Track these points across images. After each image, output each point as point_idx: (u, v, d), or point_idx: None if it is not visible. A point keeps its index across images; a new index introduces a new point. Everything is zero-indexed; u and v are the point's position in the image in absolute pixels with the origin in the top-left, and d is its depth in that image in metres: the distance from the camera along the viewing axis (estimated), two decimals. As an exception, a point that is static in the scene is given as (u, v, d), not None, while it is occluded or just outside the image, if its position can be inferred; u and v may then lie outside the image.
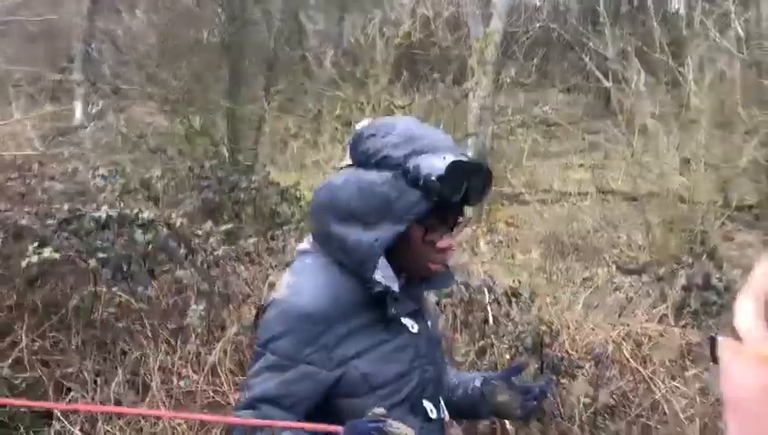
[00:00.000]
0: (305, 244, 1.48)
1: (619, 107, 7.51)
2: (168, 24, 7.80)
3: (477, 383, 1.61)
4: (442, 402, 1.52)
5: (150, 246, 3.63)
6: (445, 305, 3.11)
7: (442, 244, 1.40)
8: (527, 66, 10.78)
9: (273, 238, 4.90)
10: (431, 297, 1.77)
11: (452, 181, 1.31)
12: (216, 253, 3.95)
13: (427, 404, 1.45)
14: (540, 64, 11.13)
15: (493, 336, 2.82)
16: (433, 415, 1.46)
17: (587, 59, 8.91)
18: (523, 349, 2.61)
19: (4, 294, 3.40)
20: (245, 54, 8.05)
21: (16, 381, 2.97)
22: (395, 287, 1.38)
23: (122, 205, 3.86)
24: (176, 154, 7.53)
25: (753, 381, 0.55)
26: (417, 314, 1.47)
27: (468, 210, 7.52)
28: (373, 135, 1.38)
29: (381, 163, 1.35)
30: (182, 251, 3.81)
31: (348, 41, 7.88)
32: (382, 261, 1.37)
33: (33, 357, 3.20)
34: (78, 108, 8.63)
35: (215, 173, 6.62)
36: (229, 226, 4.69)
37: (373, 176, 1.36)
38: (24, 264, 2.94)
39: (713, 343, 0.59)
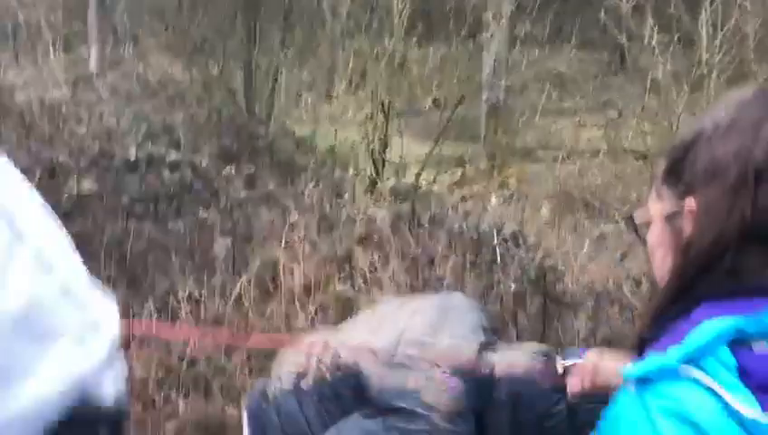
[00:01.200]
0: None
1: (633, 64, 7.55)
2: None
3: None
4: None
5: (177, 187, 3.82)
6: (455, 244, 3.30)
7: None
8: (542, 21, 10.75)
9: (292, 183, 5.09)
10: None
11: None
12: (239, 195, 4.15)
13: None
14: (555, 19, 11.08)
15: (500, 273, 3.01)
16: None
17: (602, 14, 8.89)
18: (527, 283, 2.80)
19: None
20: (262, 4, 8.11)
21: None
22: None
23: (150, 146, 4.05)
24: (194, 102, 7.67)
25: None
26: None
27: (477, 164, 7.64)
28: None
29: None
30: (206, 193, 4.01)
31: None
32: None
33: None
34: (93, 55, 8.74)
35: (233, 121, 6.79)
36: (251, 170, 4.88)
37: None
38: (65, 196, 3.13)
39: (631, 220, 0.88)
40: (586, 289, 3.31)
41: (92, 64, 7.62)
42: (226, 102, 7.76)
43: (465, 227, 3.32)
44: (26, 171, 2.75)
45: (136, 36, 7.31)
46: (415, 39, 8.09)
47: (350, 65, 8.02)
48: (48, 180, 3.68)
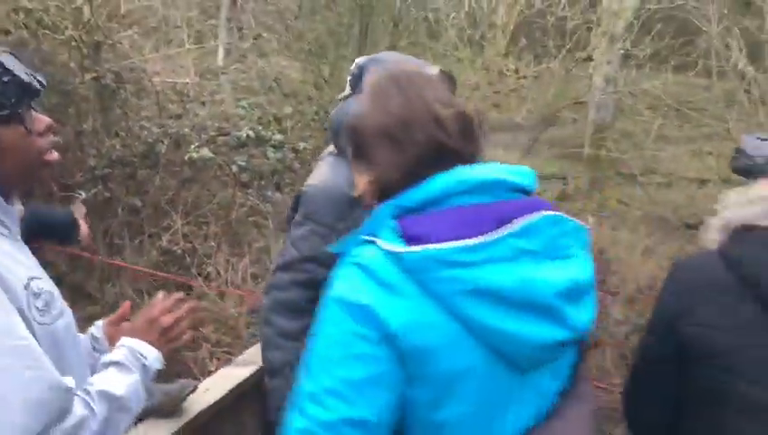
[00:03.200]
0: (329, 148, 1.92)
1: (746, 95, 7.51)
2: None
3: None
4: None
5: (279, 164, 4.39)
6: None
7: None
8: (653, 45, 10.73)
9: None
10: None
11: None
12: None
13: None
14: (670, 44, 11.02)
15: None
16: None
17: (714, 43, 8.83)
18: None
19: (166, 188, 4.29)
20: (376, 13, 8.68)
21: (173, 249, 3.83)
22: None
23: (260, 130, 4.64)
24: (305, 99, 8.35)
25: None
26: None
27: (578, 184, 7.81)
28: (367, 67, 1.80)
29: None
30: (303, 171, 4.57)
31: (470, 4, 8.32)
32: None
33: (183, 238, 4.07)
34: (221, 51, 9.65)
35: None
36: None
37: None
38: (186, 158, 3.75)
39: None
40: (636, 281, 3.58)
41: (219, 58, 8.46)
42: (334, 101, 8.37)
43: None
44: (158, 141, 3.44)
45: (259, 36, 8.06)
46: (516, 51, 8.40)
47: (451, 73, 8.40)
48: (174, 149, 4.36)
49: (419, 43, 8.38)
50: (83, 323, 4.39)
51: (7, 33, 4.25)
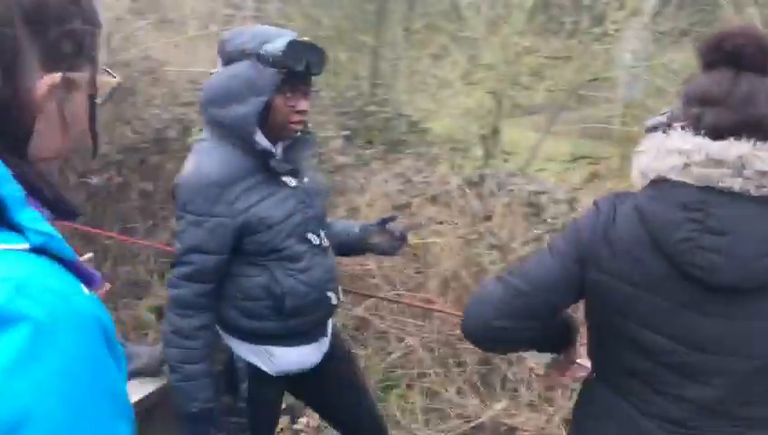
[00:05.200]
0: (202, 135, 1.95)
1: None
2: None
3: (357, 229, 2.17)
4: (323, 234, 2.03)
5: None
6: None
7: (300, 106, 1.85)
8: (678, 19, 10.52)
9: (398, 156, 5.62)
10: (312, 161, 2.25)
11: (292, 55, 1.76)
12: (341, 161, 4.78)
13: (311, 236, 1.97)
14: (695, 19, 10.79)
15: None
16: (316, 242, 1.99)
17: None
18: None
19: (176, 172, 4.42)
20: (390, -3, 8.72)
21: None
22: (271, 148, 1.85)
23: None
24: (323, 86, 8.45)
25: None
26: (296, 173, 1.95)
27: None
28: (232, 38, 1.84)
29: (242, 56, 1.78)
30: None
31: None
32: (258, 131, 1.83)
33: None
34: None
35: (354, 104, 7.47)
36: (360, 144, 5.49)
37: (238, 66, 1.80)
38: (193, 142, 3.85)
39: None
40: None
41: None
42: (351, 87, 8.46)
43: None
44: (168, 127, 3.57)
45: (270, 22, 8.17)
46: (535, 28, 8.33)
47: (469, 53, 8.40)
48: (184, 135, 4.49)
49: (435, 25, 8.39)
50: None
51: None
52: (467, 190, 3.84)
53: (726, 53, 1.30)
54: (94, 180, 4.26)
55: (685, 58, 11.39)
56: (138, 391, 2.13)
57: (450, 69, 7.97)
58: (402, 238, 2.16)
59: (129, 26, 5.45)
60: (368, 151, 5.06)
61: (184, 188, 1.85)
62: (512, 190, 3.74)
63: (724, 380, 1.33)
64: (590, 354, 1.55)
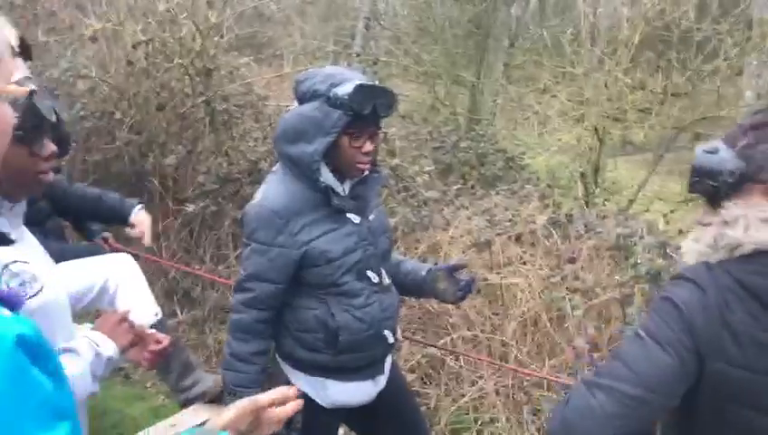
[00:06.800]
0: (275, 167, 2.01)
1: None
2: (425, 3, 8.78)
3: (424, 272, 2.12)
4: (384, 272, 2.03)
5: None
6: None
7: (365, 148, 1.88)
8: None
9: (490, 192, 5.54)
10: (379, 199, 2.22)
11: (359, 99, 1.79)
12: (430, 195, 4.76)
13: (370, 273, 1.98)
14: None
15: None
16: (375, 280, 1.98)
17: None
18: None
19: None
20: (492, 35, 8.71)
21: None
22: (335, 186, 1.90)
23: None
24: (420, 120, 8.51)
25: None
26: (361, 210, 1.97)
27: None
28: (306, 79, 1.89)
29: (313, 96, 1.84)
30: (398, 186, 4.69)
31: (588, 20, 8.11)
32: (323, 167, 1.88)
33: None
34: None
35: (449, 139, 7.46)
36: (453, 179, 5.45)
37: (308, 106, 1.85)
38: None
39: None
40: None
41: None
42: (449, 121, 8.48)
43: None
44: (262, 159, 3.71)
45: (378, 60, 8.34)
46: (641, 65, 8.06)
47: (568, 89, 8.23)
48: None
49: (535, 60, 8.29)
50: (188, 326, 4.68)
51: (130, 63, 4.75)
52: (553, 231, 3.72)
53: None
54: (190, 208, 4.46)
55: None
56: (198, 415, 2.18)
57: (550, 105, 7.83)
58: (467, 289, 2.12)
59: (234, 61, 5.70)
60: (454, 187, 5.01)
61: (251, 216, 1.92)
62: (600, 232, 3.59)
63: None
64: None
